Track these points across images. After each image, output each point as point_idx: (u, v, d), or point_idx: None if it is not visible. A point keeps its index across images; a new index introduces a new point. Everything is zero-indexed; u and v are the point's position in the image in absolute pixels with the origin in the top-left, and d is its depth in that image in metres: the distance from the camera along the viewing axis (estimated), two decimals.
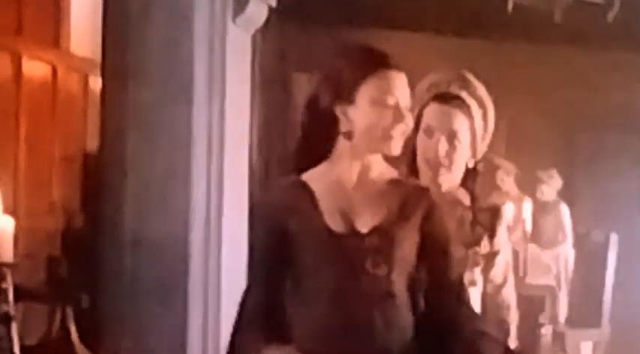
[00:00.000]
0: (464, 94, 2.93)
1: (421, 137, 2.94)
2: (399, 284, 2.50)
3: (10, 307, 1.85)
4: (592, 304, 7.53)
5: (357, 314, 2.46)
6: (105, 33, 4.12)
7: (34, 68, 6.94)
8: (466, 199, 2.98)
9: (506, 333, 2.99)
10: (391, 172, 2.61)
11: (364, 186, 2.55)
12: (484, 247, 2.95)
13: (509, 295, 3.02)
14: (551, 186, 8.38)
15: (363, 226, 2.50)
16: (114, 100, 3.88)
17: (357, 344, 2.44)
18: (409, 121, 2.52)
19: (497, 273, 2.99)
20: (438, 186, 2.91)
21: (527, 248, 7.91)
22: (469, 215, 2.96)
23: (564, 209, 8.34)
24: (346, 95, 2.49)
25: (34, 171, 6.88)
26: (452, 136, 2.89)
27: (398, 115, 2.47)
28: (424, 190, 2.61)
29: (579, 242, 8.08)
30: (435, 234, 2.57)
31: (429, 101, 2.95)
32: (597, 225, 8.46)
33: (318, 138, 2.55)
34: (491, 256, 2.97)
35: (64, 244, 6.85)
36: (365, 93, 2.47)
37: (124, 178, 3.83)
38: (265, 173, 9.29)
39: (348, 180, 2.54)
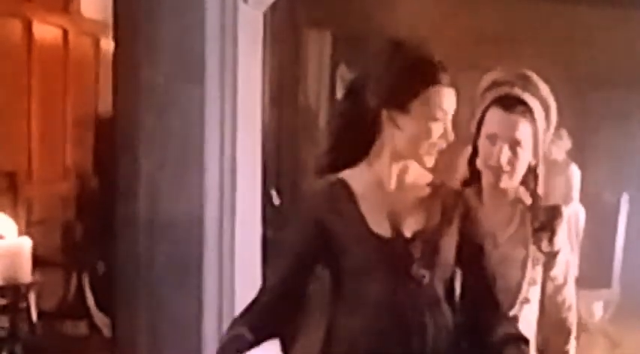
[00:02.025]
0: (527, 97, 2.87)
1: (483, 142, 2.90)
2: (440, 290, 2.51)
3: (34, 327, 1.89)
4: (602, 264, 7.56)
5: (410, 321, 2.45)
6: (115, 10, 4.14)
7: (45, 33, 6.92)
8: (526, 198, 2.96)
9: (568, 333, 3.01)
10: (427, 176, 2.60)
11: (403, 189, 2.54)
12: (544, 246, 2.93)
13: (571, 295, 3.01)
14: (559, 146, 8.36)
15: (407, 230, 2.50)
16: (125, 80, 3.89)
17: (411, 351, 2.44)
18: (451, 137, 2.51)
19: (557, 273, 2.97)
20: (500, 190, 2.91)
21: None
22: (529, 214, 2.94)
23: (574, 170, 8.31)
24: (399, 104, 2.47)
25: (48, 136, 6.89)
26: (515, 145, 2.85)
27: (445, 133, 2.48)
28: (459, 194, 2.61)
29: (590, 203, 8.07)
30: (472, 238, 2.57)
31: (491, 104, 2.90)
32: (608, 186, 8.46)
33: (356, 136, 2.54)
34: (552, 255, 2.95)
35: (78, 209, 6.90)
36: (419, 105, 2.46)
37: (137, 159, 3.85)
38: (278, 148, 9.32)
39: (388, 182, 2.53)
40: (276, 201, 9.02)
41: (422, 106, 2.46)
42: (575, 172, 8.21)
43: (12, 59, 6.53)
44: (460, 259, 2.56)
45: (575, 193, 8.16)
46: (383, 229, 2.47)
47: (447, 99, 2.48)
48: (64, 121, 7.11)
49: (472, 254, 2.57)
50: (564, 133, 8.47)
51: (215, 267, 3.90)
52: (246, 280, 4.03)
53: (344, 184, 2.51)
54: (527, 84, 2.90)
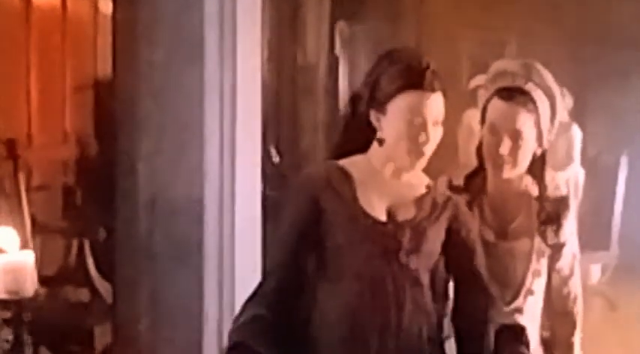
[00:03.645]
0: (529, 87, 2.87)
1: (485, 133, 2.91)
2: (424, 276, 2.58)
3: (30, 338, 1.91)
4: (601, 226, 7.58)
5: (389, 295, 2.51)
6: None
7: None
8: (533, 189, 2.95)
9: (573, 325, 3.03)
10: (424, 179, 2.65)
11: (399, 184, 2.60)
12: (550, 238, 2.94)
13: (576, 286, 3.02)
14: (561, 105, 8.27)
15: (399, 216, 2.56)
16: (124, 59, 3.90)
17: (387, 325, 2.51)
18: (437, 137, 2.53)
19: (563, 265, 2.98)
20: (503, 180, 2.91)
21: None
22: (536, 206, 2.94)
23: (576, 130, 8.25)
24: (379, 104, 2.53)
25: (47, 100, 6.88)
26: (516, 135, 2.85)
27: (423, 136, 2.49)
28: (450, 198, 2.66)
29: (589, 165, 8.05)
30: (462, 240, 2.63)
31: (493, 95, 2.90)
32: (607, 147, 8.44)
33: (356, 134, 2.60)
34: (558, 247, 2.95)
35: (78, 174, 6.91)
36: (395, 108, 2.50)
37: (136, 139, 3.87)
38: (277, 106, 9.31)
39: (383, 175, 2.59)
40: (276, 159, 9.04)
41: (396, 109, 2.49)
42: (576, 133, 8.16)
43: (10, 24, 6.50)
44: (449, 259, 2.63)
45: (577, 154, 8.14)
46: (376, 212, 2.54)
47: (428, 105, 2.49)
48: (63, 85, 7.08)
49: (461, 254, 2.63)
50: (566, 91, 8.41)
51: (215, 245, 3.93)
52: (246, 260, 4.07)
53: (342, 170, 2.58)
54: (531, 74, 2.89)
